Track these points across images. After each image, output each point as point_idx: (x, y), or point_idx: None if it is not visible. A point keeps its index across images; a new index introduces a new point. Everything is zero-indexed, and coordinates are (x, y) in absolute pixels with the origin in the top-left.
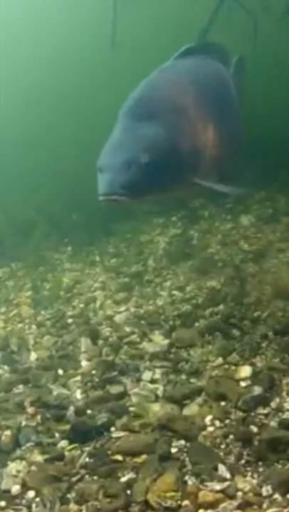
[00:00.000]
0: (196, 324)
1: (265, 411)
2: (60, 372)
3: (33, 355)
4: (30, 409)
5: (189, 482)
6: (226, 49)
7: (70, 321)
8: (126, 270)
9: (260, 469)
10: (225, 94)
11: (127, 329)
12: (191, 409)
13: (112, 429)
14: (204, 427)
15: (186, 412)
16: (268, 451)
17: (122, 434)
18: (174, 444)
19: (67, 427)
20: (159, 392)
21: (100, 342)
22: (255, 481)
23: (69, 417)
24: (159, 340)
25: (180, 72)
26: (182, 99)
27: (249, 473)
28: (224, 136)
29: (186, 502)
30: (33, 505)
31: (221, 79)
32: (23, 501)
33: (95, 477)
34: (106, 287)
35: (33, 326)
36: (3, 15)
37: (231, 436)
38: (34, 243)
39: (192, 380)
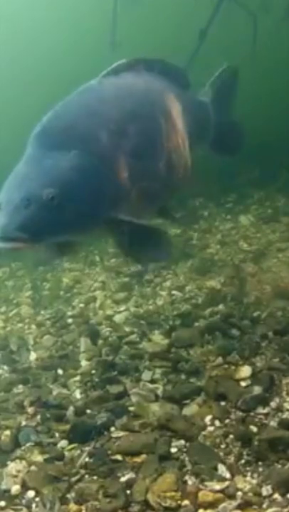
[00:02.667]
0: (196, 324)
1: (265, 411)
2: (60, 372)
3: (33, 355)
4: (29, 409)
5: (189, 482)
6: (175, 66)
7: (69, 320)
8: (126, 270)
9: (260, 469)
10: (163, 119)
11: (127, 329)
12: (191, 409)
13: (112, 429)
14: (204, 427)
15: (185, 411)
16: (267, 451)
17: (121, 433)
18: (173, 443)
19: (67, 426)
20: (159, 392)
21: (100, 342)
22: (254, 481)
23: (69, 417)
24: (158, 340)
25: (104, 93)
26: (100, 126)
27: (249, 473)
28: (158, 167)
29: (185, 502)
30: (33, 505)
31: (161, 100)
32: (23, 501)
33: (95, 477)
34: (106, 287)
35: (33, 326)
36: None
37: (231, 436)
38: None
39: (192, 380)
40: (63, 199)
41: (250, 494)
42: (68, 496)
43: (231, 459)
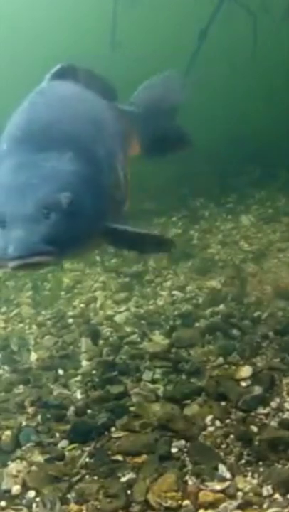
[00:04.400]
0: (197, 324)
1: (266, 411)
2: (61, 372)
3: (34, 355)
4: (30, 409)
5: (189, 482)
6: (102, 77)
7: (70, 321)
8: (126, 270)
9: (261, 469)
10: (94, 128)
11: (128, 329)
12: (192, 409)
13: (113, 429)
14: (204, 427)
15: (186, 411)
16: (268, 451)
17: (122, 434)
18: (174, 444)
19: (68, 426)
20: (160, 392)
21: (101, 342)
22: (255, 481)
23: (69, 417)
24: (159, 340)
25: (62, 96)
26: (78, 129)
27: (249, 473)
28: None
29: (186, 502)
30: (34, 505)
31: (90, 111)
32: (24, 501)
33: (95, 477)
34: (106, 287)
35: (34, 326)
36: (3, 15)
37: (231, 436)
38: None
39: (192, 380)
40: (77, 204)
41: (251, 494)
42: (69, 496)
43: (232, 459)
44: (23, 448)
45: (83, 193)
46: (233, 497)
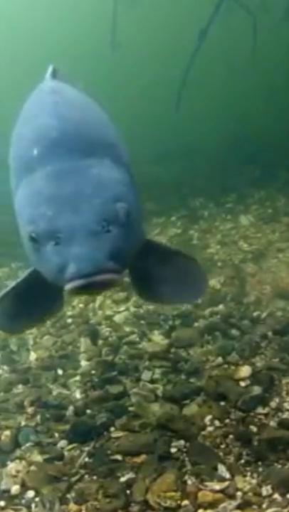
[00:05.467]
0: (196, 324)
1: (265, 411)
2: (60, 372)
3: (33, 355)
4: (29, 409)
5: (189, 482)
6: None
7: (69, 320)
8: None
9: (260, 469)
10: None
11: (127, 329)
12: (191, 409)
13: (112, 429)
14: (204, 427)
15: (185, 411)
16: (267, 451)
17: (121, 434)
18: (173, 443)
19: (67, 426)
20: (159, 392)
21: (100, 342)
22: (254, 481)
23: (68, 417)
24: (158, 340)
25: (74, 96)
26: (106, 132)
27: (249, 473)
28: None
29: (185, 502)
30: (33, 505)
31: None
32: (23, 501)
33: (95, 477)
34: None
35: None
36: (3, 15)
37: (231, 436)
38: None
39: (192, 380)
40: (131, 214)
41: (250, 494)
42: (68, 496)
43: (231, 459)
44: (23, 448)
45: (131, 202)
46: (232, 497)
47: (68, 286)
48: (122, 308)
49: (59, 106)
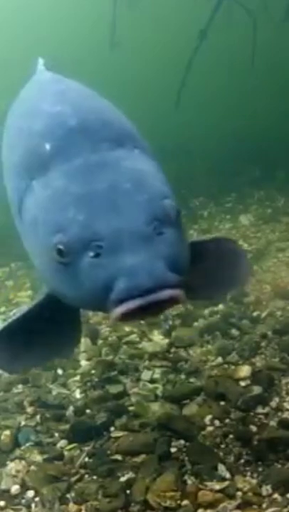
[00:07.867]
0: (196, 324)
1: (265, 410)
2: (60, 372)
3: None
4: (29, 409)
5: (189, 482)
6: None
7: None
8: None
9: (260, 469)
10: None
11: (127, 329)
12: (191, 408)
13: (112, 428)
14: (204, 427)
15: (185, 411)
16: (267, 451)
17: (121, 433)
18: (173, 443)
19: (67, 426)
20: (159, 392)
21: (100, 342)
22: (254, 481)
23: (68, 417)
24: (158, 340)
25: (77, 85)
26: (122, 118)
27: (249, 473)
28: None
29: (185, 502)
30: (33, 505)
31: None
32: (23, 501)
33: (95, 477)
34: None
35: None
36: (3, 14)
37: (231, 436)
38: None
39: (191, 380)
40: (180, 212)
41: (250, 494)
42: (68, 495)
43: (231, 458)
44: (22, 448)
45: (172, 195)
46: (232, 497)
47: (120, 310)
48: None
49: (67, 93)
